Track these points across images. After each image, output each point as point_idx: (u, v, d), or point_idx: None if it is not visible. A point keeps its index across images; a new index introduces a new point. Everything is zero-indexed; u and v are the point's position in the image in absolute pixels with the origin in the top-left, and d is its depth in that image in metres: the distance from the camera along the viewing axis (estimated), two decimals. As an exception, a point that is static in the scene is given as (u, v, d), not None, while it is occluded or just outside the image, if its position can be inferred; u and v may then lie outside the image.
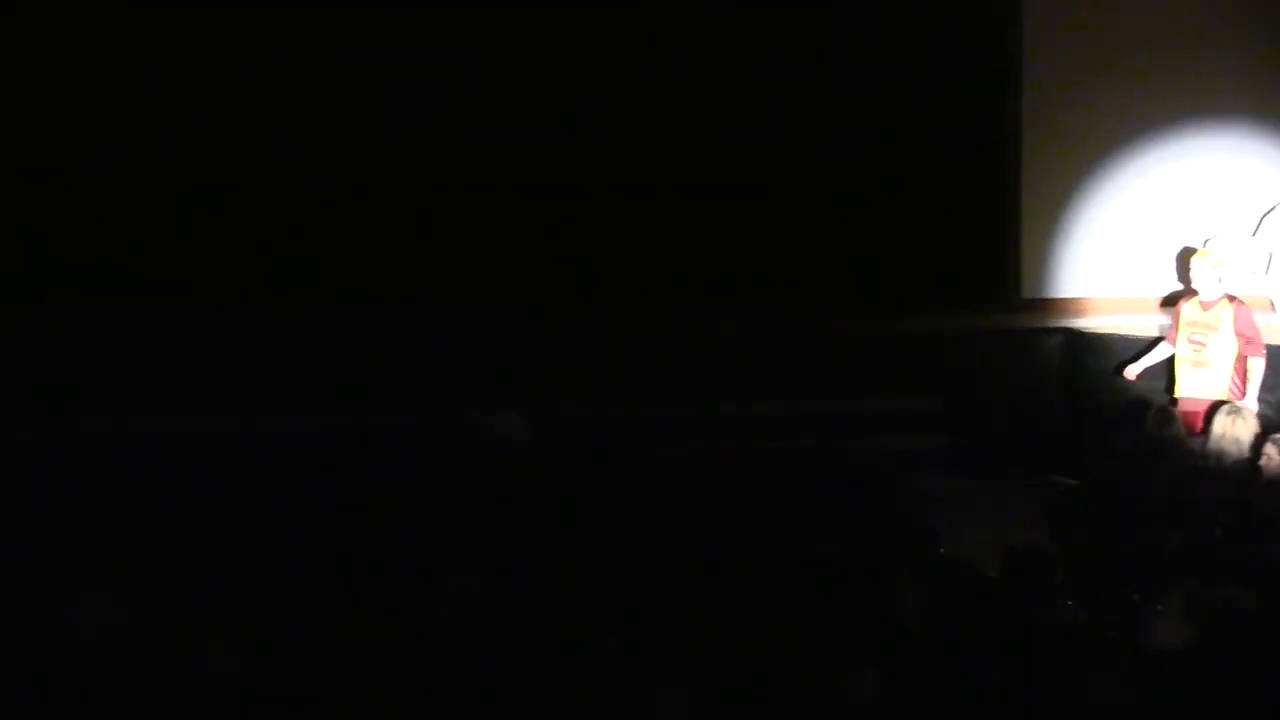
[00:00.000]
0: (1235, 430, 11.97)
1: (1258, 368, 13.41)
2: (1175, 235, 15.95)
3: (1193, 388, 13.54)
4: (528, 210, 16.77)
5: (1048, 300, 16.41)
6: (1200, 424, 12.83)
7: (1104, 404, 14.81)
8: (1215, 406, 12.62)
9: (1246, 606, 7.93)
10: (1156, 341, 14.15)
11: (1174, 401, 13.44)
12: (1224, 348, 13.45)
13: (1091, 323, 15.62)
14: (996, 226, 16.77)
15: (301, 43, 16.24)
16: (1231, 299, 13.64)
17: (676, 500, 10.08)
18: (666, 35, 16.92)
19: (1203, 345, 13.54)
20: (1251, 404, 13.12)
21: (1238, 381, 13.42)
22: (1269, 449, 11.39)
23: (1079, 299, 16.34)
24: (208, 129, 16.14)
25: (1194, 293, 13.87)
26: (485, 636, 7.45)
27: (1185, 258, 14.69)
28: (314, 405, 14.40)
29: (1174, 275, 15.66)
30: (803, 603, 7.80)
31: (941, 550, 9.11)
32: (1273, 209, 16.06)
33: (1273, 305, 15.76)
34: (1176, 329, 13.78)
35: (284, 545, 9.04)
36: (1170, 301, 14.76)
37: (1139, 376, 14.13)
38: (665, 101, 16.86)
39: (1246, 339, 13.43)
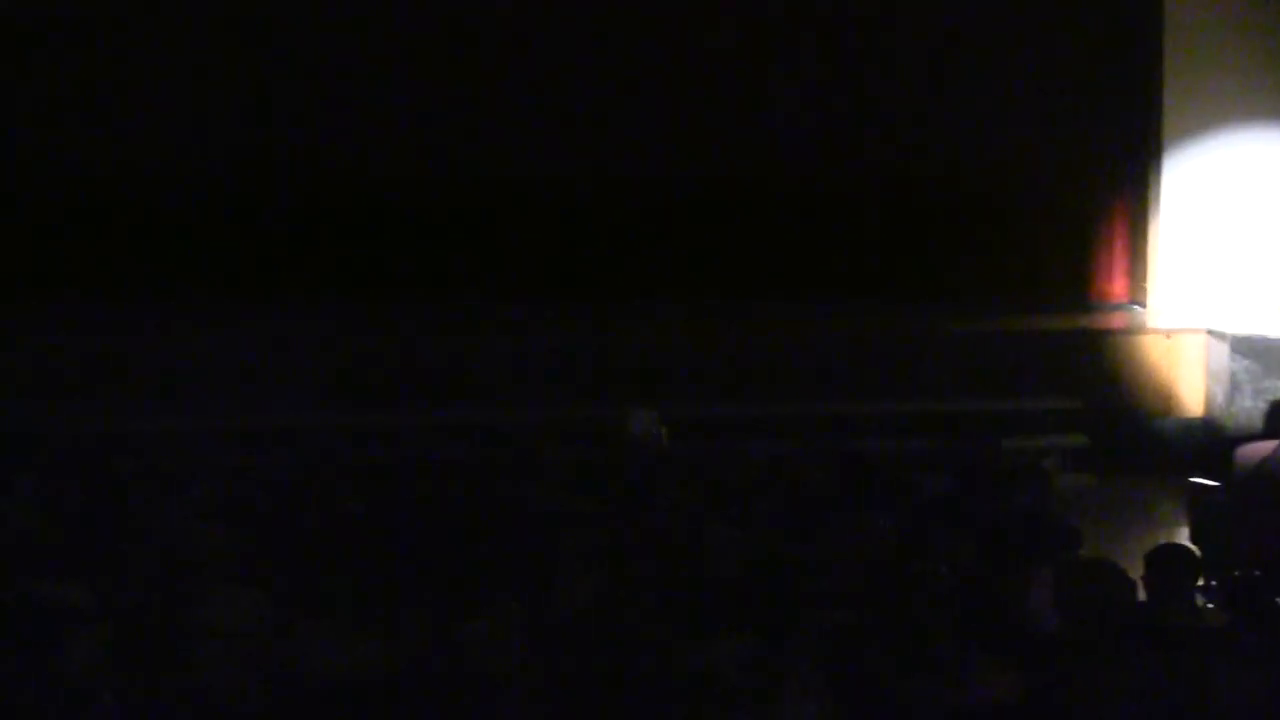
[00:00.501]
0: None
1: None
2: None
3: None
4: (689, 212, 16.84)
5: (1185, 302, 16.22)
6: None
7: (1245, 404, 14.66)
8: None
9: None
10: None
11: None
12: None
13: (1230, 324, 15.41)
14: (1137, 228, 16.65)
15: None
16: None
17: (812, 497, 10.04)
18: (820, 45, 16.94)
19: None
20: None
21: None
22: None
23: (1217, 301, 16.14)
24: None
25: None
26: (616, 633, 7.44)
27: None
28: (442, 402, 14.54)
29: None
30: (939, 603, 7.71)
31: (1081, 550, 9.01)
32: None
33: None
34: None
35: (415, 541, 9.10)
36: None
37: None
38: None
39: None
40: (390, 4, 16.36)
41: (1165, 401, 15.37)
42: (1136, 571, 8.04)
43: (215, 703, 6.37)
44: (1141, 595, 7.97)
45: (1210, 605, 8.92)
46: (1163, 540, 9.08)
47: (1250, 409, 14.75)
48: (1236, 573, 9.76)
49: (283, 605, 7.59)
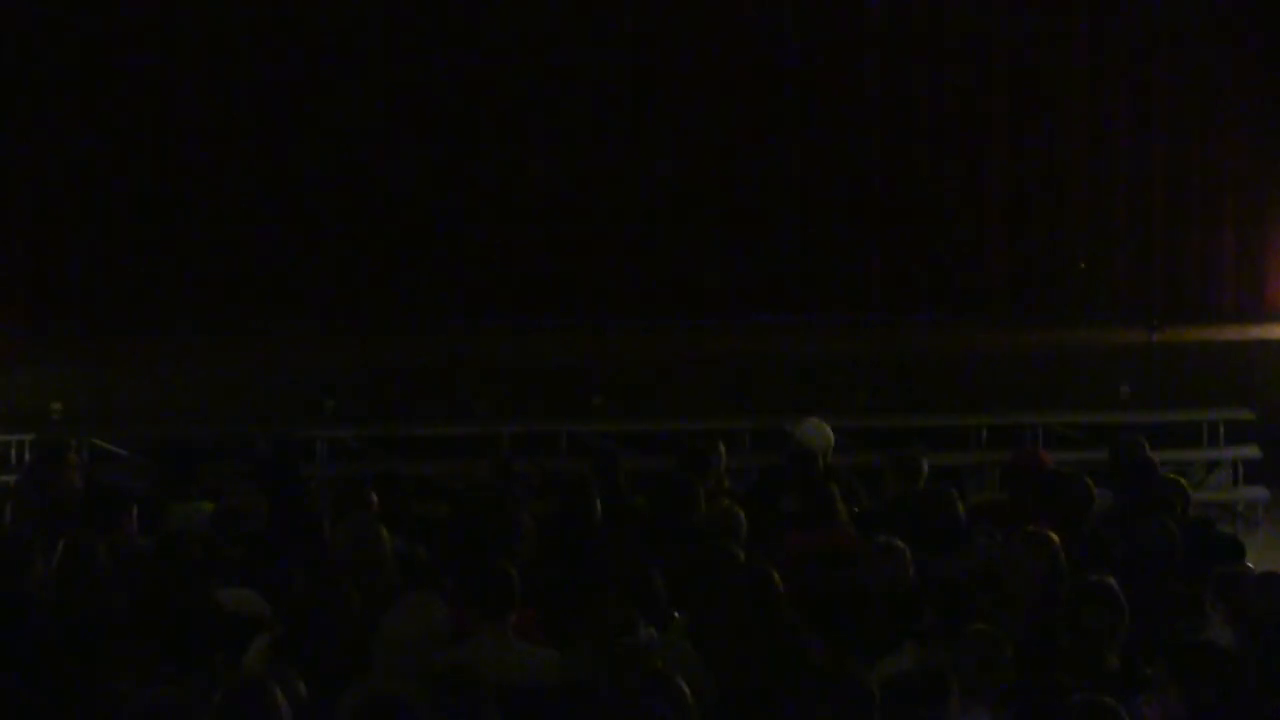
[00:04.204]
0: None
1: None
2: None
3: None
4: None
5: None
6: None
7: None
8: None
9: None
10: None
11: None
12: None
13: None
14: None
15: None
16: None
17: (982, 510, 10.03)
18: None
19: None
20: None
21: None
22: None
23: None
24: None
25: None
26: (777, 645, 7.48)
27: None
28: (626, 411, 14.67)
29: None
30: (1110, 616, 7.65)
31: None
32: None
33: None
34: None
35: (579, 551, 9.20)
36: None
37: None
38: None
39: None
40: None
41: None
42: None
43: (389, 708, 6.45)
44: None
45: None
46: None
47: None
48: None
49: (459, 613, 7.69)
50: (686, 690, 6.49)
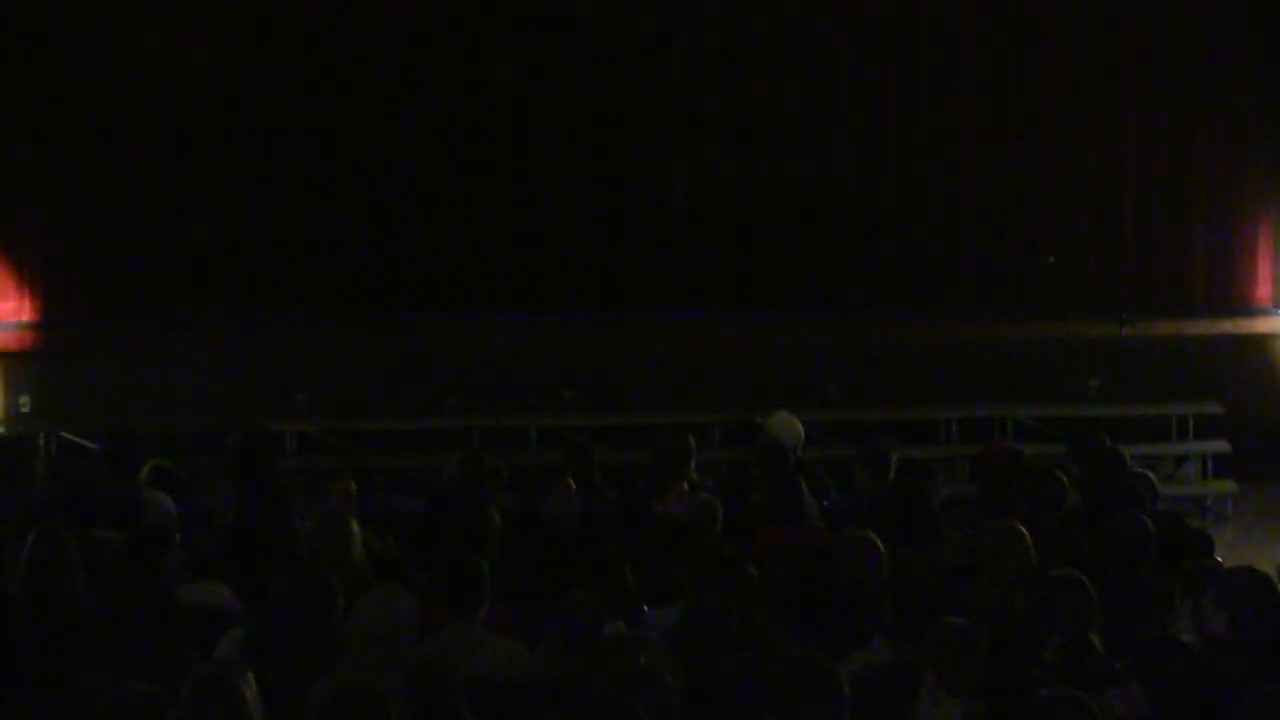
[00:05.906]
0: None
1: None
2: None
3: None
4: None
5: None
6: None
7: None
8: None
9: None
10: None
11: None
12: None
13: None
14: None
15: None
16: None
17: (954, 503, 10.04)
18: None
19: None
20: None
21: None
22: None
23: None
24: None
25: None
26: (748, 639, 7.49)
27: None
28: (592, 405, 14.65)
29: None
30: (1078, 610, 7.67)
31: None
32: None
33: None
34: None
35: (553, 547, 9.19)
36: None
37: None
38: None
39: None
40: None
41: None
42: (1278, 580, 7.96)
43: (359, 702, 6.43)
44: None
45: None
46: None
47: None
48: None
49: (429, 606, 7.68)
50: (666, 684, 6.49)
